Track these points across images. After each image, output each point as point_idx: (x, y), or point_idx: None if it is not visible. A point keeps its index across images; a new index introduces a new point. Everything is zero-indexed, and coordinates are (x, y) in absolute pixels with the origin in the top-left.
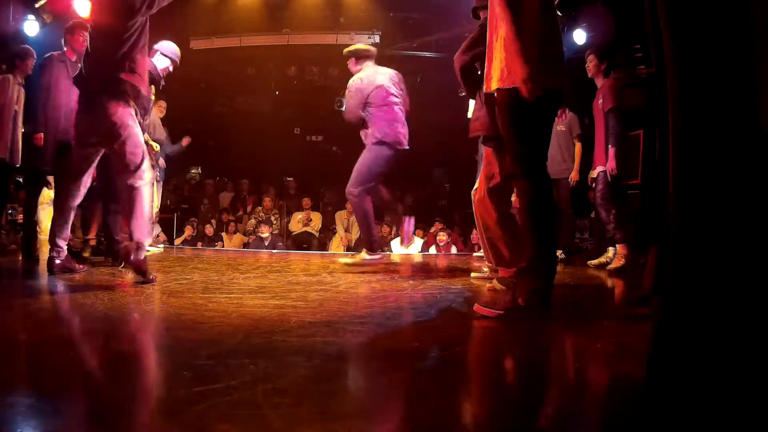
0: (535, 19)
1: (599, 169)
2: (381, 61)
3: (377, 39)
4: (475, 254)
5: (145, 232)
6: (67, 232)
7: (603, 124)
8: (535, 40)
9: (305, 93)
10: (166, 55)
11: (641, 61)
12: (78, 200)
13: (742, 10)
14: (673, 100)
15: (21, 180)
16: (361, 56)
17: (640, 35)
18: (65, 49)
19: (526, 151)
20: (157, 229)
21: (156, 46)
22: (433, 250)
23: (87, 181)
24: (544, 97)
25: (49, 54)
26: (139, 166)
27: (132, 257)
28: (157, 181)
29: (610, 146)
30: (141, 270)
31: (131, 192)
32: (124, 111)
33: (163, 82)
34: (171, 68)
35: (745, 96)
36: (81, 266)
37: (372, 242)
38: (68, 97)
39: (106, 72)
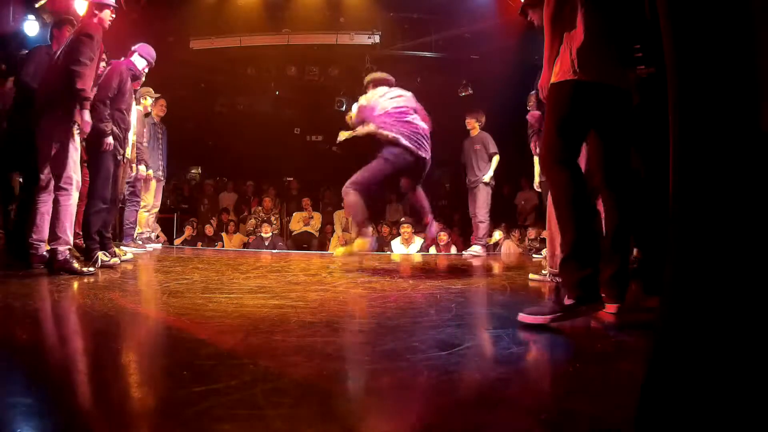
0: (583, 15)
1: None
2: (381, 60)
3: (377, 39)
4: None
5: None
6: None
7: None
8: (587, 36)
9: (305, 93)
10: (142, 56)
11: (641, 61)
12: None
13: (743, 10)
14: (672, 100)
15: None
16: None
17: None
18: (50, 43)
19: (562, 141)
20: (157, 229)
21: (134, 47)
22: (433, 250)
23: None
24: (589, 89)
25: (37, 45)
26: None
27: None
28: (158, 181)
29: None
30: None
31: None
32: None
33: (143, 79)
34: (146, 69)
35: (745, 96)
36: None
37: (361, 230)
38: None
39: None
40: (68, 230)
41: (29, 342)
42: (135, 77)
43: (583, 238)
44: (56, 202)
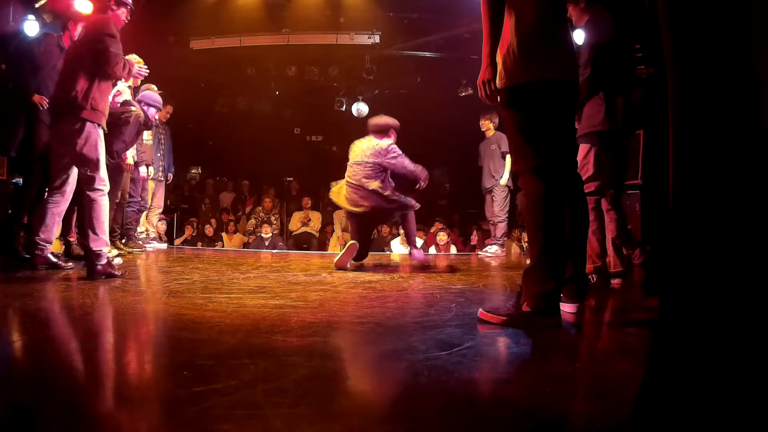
0: (525, 15)
1: None
2: (381, 60)
3: (377, 39)
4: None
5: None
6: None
7: None
8: (528, 35)
9: (305, 93)
10: (150, 105)
11: (641, 61)
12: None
13: (743, 10)
14: (672, 100)
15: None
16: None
17: (640, 35)
18: (61, 34)
19: (529, 147)
20: (161, 230)
21: (140, 97)
22: (433, 250)
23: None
24: (542, 88)
25: (49, 32)
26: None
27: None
28: (159, 181)
29: None
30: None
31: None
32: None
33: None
34: (156, 114)
35: (745, 96)
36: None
37: None
38: (52, 81)
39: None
40: (107, 231)
41: (29, 342)
42: (147, 126)
43: (551, 251)
44: (91, 202)
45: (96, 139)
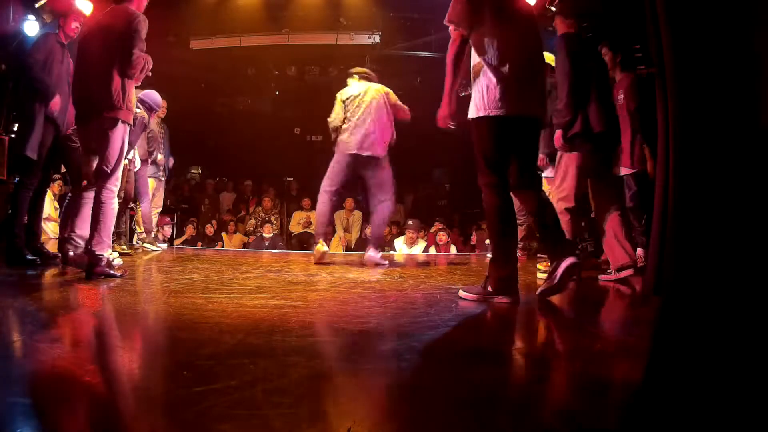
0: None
1: (624, 170)
2: (381, 60)
3: (377, 39)
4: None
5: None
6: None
7: (627, 122)
8: (498, 75)
9: (305, 93)
10: (151, 108)
11: (641, 61)
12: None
13: (742, 10)
14: (672, 100)
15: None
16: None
17: (640, 35)
18: (57, 32)
19: (492, 167)
20: (162, 231)
21: (141, 96)
22: (433, 250)
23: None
24: (510, 122)
25: (48, 32)
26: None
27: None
28: (159, 181)
29: (643, 146)
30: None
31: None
32: None
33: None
34: (156, 114)
35: (745, 95)
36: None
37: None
38: (60, 79)
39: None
40: (111, 234)
41: (29, 342)
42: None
43: (505, 246)
44: (101, 204)
45: (125, 139)
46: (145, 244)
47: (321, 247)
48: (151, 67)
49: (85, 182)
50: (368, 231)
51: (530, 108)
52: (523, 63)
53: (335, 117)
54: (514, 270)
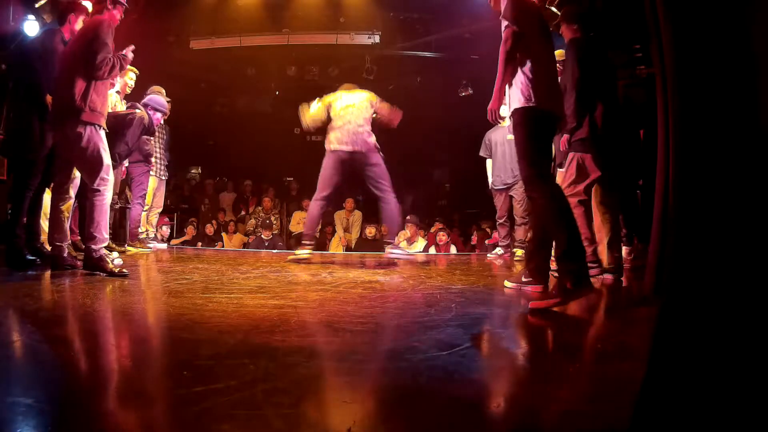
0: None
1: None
2: (381, 60)
3: (377, 39)
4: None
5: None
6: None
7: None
8: (542, 71)
9: (305, 93)
10: (156, 109)
11: (641, 61)
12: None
13: (742, 10)
14: (673, 100)
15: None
16: None
17: (640, 35)
18: (60, 28)
19: (542, 160)
20: (163, 231)
21: (146, 100)
22: (433, 250)
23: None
24: (549, 118)
25: (53, 28)
26: None
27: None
28: (160, 180)
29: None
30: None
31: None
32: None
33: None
34: (162, 119)
35: (745, 96)
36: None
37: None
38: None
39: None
40: (104, 230)
41: (28, 342)
42: (149, 132)
43: (572, 241)
44: (91, 204)
45: (98, 142)
46: (128, 246)
47: (302, 254)
48: (127, 65)
49: (61, 187)
50: (384, 229)
51: (558, 107)
52: (553, 67)
53: (313, 114)
54: (584, 261)
